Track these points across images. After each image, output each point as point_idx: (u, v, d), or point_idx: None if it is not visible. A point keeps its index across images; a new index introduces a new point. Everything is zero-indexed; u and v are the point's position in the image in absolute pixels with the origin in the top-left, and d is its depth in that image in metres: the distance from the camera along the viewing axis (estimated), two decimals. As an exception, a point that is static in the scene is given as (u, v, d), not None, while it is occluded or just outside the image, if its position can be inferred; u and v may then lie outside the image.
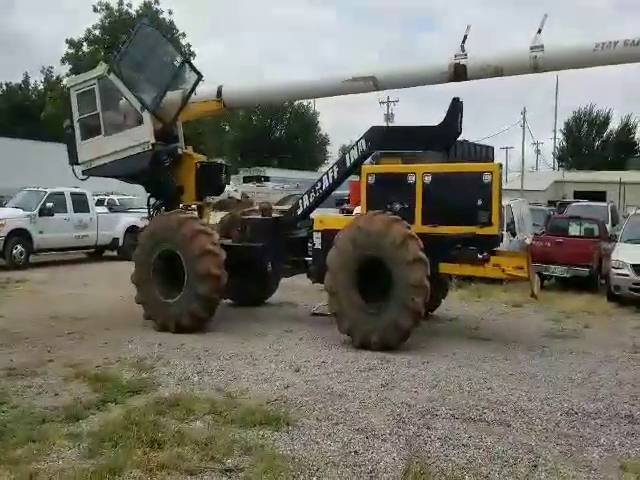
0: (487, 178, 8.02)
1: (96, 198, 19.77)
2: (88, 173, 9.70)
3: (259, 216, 10.12)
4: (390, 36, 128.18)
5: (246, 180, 31.72)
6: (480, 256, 8.03)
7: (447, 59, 8.41)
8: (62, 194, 16.96)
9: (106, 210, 19.66)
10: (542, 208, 20.64)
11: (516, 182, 41.13)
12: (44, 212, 16.33)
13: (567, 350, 7.93)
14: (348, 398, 5.79)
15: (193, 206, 10.10)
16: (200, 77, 9.76)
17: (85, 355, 7.17)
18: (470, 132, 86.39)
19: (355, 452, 4.59)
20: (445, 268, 8.31)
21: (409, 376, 6.54)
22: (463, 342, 8.24)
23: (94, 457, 4.41)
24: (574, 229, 14.86)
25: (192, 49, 42.80)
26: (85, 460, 4.37)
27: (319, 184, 9.36)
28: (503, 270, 8.00)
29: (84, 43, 41.51)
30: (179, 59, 9.71)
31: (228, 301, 10.37)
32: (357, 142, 9.09)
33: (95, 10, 41.12)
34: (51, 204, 16.47)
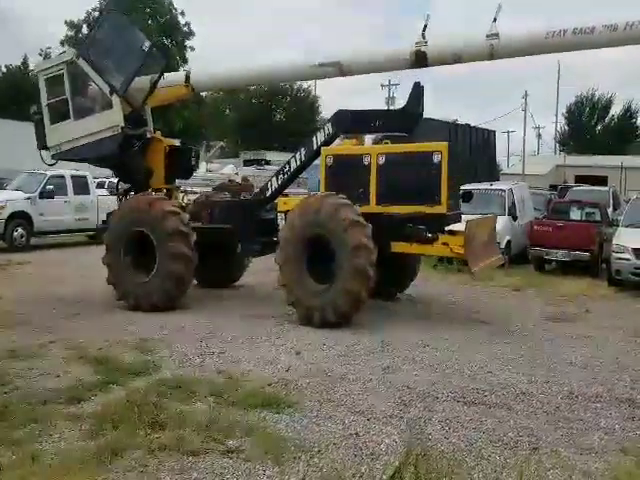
0: (437, 158, 8.14)
1: (96, 181, 19.67)
2: (57, 157, 9.85)
3: (228, 198, 10.26)
4: (374, 20, 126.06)
5: (247, 163, 31.50)
6: (429, 235, 8.16)
7: (408, 46, 8.63)
8: (62, 177, 16.92)
9: (107, 193, 19.60)
10: (543, 192, 20.53)
11: (517, 166, 40.99)
12: (44, 194, 16.33)
13: (568, 334, 7.94)
14: (349, 381, 5.80)
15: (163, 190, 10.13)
16: (167, 62, 9.93)
17: (86, 337, 7.17)
18: (472, 116, 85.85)
19: (356, 434, 4.60)
20: (397, 247, 8.37)
21: (410, 359, 6.55)
22: (463, 326, 8.26)
23: (96, 438, 4.42)
24: (575, 213, 14.87)
25: (192, 27, 42.40)
26: (87, 441, 4.38)
27: (287, 166, 9.48)
28: (451, 249, 8.15)
29: (84, 25, 41.03)
30: (147, 44, 9.74)
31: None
32: (324, 125, 9.23)
33: (95, -9, 40.61)
34: (51, 186, 16.46)
